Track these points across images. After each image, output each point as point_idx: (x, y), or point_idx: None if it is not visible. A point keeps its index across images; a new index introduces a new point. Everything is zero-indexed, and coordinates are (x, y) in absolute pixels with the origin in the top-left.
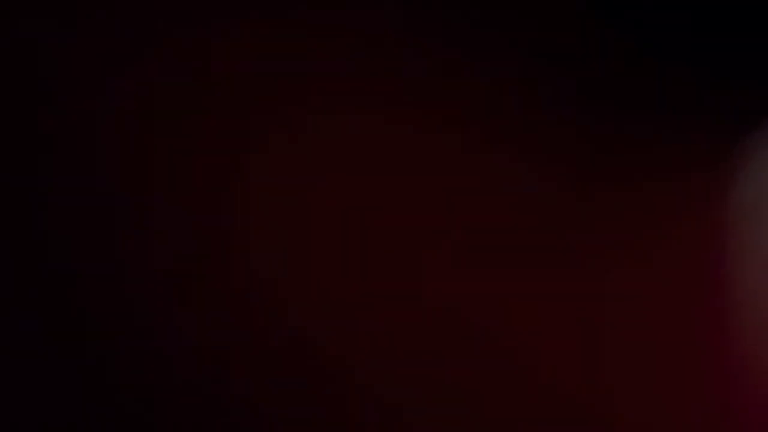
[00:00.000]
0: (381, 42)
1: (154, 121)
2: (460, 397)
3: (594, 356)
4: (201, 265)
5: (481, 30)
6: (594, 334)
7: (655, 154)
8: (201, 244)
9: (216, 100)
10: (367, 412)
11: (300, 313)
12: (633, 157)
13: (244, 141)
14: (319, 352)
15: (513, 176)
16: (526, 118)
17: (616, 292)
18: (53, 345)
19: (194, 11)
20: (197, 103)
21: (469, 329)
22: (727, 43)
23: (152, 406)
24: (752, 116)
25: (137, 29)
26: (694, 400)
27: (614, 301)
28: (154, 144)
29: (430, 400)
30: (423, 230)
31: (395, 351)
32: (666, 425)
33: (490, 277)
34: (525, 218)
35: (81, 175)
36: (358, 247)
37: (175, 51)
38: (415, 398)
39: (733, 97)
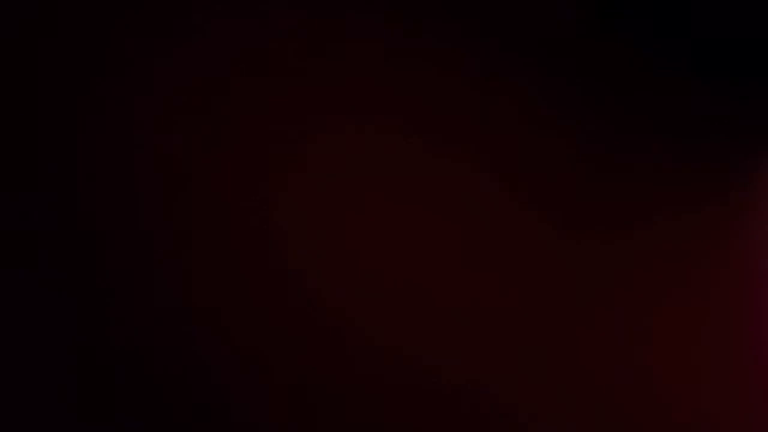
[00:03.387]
0: (387, 51)
1: (177, 123)
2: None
3: (635, 364)
4: (234, 265)
5: (491, 47)
6: (635, 360)
7: (679, 176)
8: (234, 244)
9: (236, 102)
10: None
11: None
12: (653, 181)
13: (271, 146)
14: (347, 341)
15: (526, 213)
16: (542, 152)
17: (650, 318)
18: (75, 337)
19: (213, 12)
20: (219, 106)
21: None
22: (743, 58)
23: (158, 371)
24: None
25: (157, 37)
26: (735, 406)
27: (653, 315)
28: (178, 146)
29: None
30: (427, 237)
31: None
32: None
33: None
34: (553, 239)
35: (114, 174)
36: (375, 248)
37: (196, 54)
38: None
39: (754, 113)
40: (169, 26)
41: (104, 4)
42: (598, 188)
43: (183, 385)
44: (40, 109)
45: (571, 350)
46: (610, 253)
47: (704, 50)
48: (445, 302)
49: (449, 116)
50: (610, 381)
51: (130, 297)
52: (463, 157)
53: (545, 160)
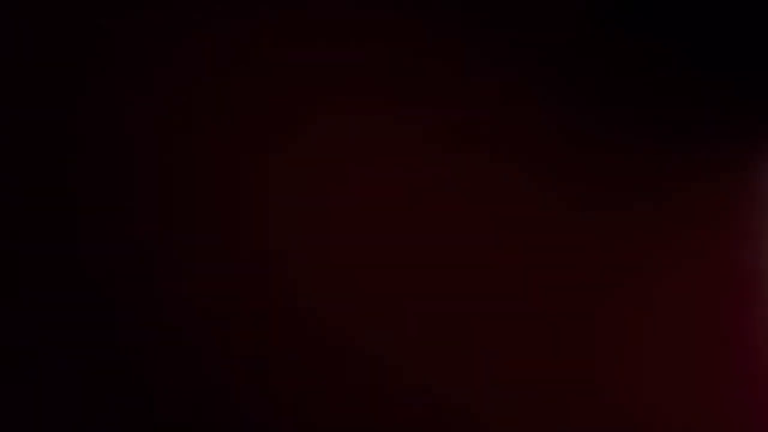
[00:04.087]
0: (393, 43)
1: (173, 120)
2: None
3: (625, 360)
4: (221, 260)
5: (497, 38)
6: (626, 339)
7: (678, 160)
8: (221, 239)
9: (233, 99)
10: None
11: (314, 300)
12: (656, 165)
13: (262, 138)
14: (348, 341)
15: (531, 189)
16: (545, 129)
17: (645, 299)
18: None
19: (211, 10)
20: (215, 102)
21: (475, 336)
22: (747, 44)
23: (158, 376)
24: None
25: (153, 31)
26: (725, 402)
27: (643, 308)
28: (174, 142)
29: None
30: (427, 230)
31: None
32: (700, 427)
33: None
34: (542, 233)
35: (104, 172)
36: (370, 242)
37: (191, 50)
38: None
39: (755, 99)
40: (168, 26)
41: (104, 4)
42: (598, 190)
43: (182, 385)
44: (39, 109)
45: (572, 348)
46: (608, 253)
47: (704, 49)
48: (445, 301)
49: (450, 116)
50: (611, 381)
51: (129, 297)
52: (464, 157)
53: (545, 160)
